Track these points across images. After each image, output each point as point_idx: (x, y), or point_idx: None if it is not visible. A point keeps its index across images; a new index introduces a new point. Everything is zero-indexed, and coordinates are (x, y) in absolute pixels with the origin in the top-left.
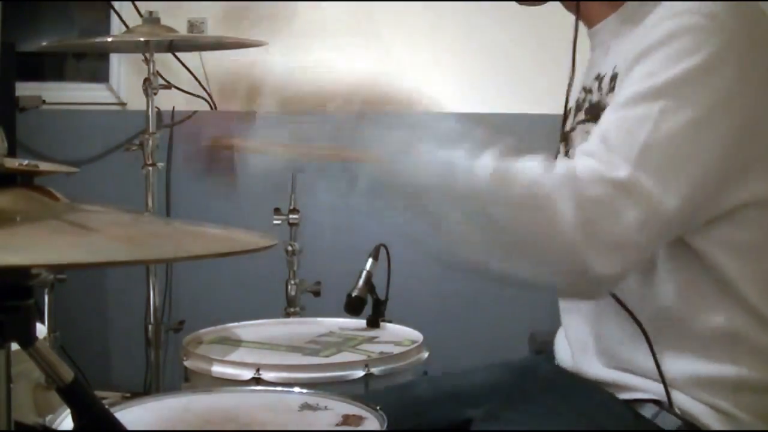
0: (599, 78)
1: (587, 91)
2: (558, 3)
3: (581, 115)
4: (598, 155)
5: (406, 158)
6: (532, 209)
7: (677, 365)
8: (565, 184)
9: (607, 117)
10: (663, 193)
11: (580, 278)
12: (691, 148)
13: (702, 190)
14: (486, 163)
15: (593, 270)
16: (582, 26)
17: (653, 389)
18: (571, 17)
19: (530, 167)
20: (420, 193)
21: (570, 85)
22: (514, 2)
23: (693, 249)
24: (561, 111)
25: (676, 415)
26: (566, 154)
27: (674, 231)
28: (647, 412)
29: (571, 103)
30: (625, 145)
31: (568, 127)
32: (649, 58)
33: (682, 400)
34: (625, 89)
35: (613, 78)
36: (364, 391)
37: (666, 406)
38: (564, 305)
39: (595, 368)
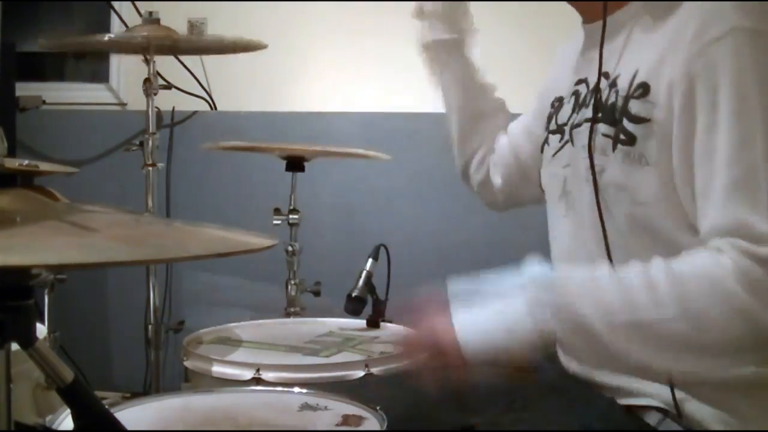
0: (609, 77)
1: (594, 87)
2: (558, 4)
3: (587, 112)
4: (735, 230)
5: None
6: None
7: None
8: (731, 275)
9: (715, 181)
10: None
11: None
12: None
13: None
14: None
15: None
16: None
17: (659, 393)
18: (573, 18)
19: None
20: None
21: (598, 83)
22: (514, 2)
23: None
24: None
25: (679, 423)
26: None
27: None
28: (651, 419)
29: (563, 93)
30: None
31: (564, 120)
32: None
33: (688, 404)
34: (719, 142)
35: (642, 86)
36: (364, 392)
37: (672, 414)
38: None
39: (600, 372)
